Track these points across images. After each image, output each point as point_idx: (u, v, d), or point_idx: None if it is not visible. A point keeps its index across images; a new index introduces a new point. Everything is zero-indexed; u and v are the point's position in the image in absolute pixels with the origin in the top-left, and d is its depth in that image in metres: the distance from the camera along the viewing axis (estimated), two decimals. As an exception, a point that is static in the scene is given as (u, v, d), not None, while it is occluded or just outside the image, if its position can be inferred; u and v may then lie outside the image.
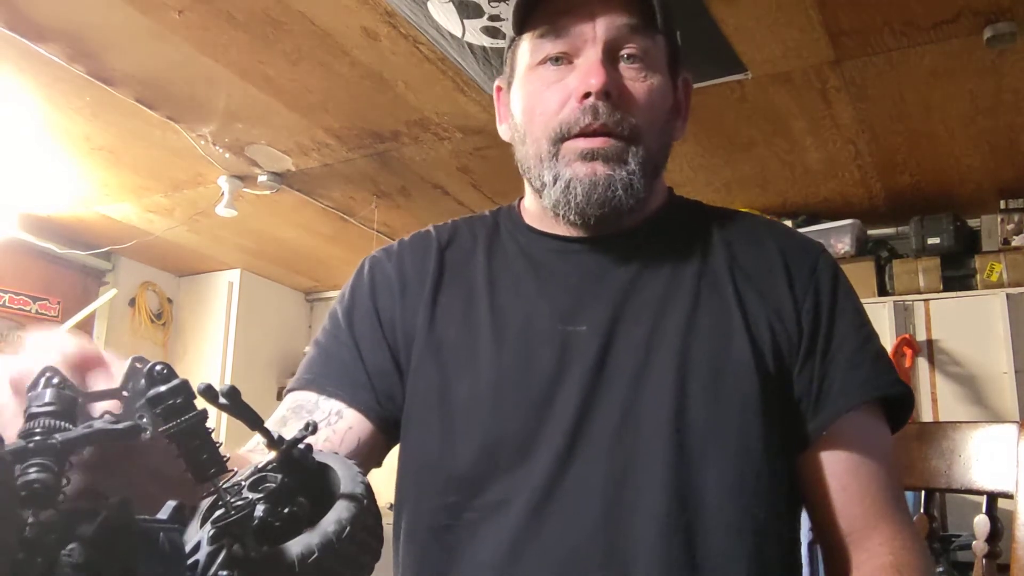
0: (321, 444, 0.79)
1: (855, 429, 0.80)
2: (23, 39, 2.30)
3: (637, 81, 0.82)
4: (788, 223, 3.26)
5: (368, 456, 0.83)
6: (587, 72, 0.80)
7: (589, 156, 0.80)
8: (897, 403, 0.84)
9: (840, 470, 0.80)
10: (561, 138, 0.81)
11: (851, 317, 0.84)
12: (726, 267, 0.84)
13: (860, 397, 0.80)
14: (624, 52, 0.82)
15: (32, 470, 0.33)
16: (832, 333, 0.82)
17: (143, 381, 0.39)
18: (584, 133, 0.80)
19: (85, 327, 4.26)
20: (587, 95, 0.79)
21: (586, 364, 0.79)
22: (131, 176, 3.31)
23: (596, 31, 0.81)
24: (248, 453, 0.75)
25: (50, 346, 0.45)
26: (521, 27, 0.85)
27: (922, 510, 1.04)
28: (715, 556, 0.74)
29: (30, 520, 0.32)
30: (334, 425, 0.81)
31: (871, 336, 0.85)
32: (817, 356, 0.82)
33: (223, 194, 3.34)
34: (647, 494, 0.74)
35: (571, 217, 0.82)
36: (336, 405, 0.82)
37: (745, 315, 0.81)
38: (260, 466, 0.40)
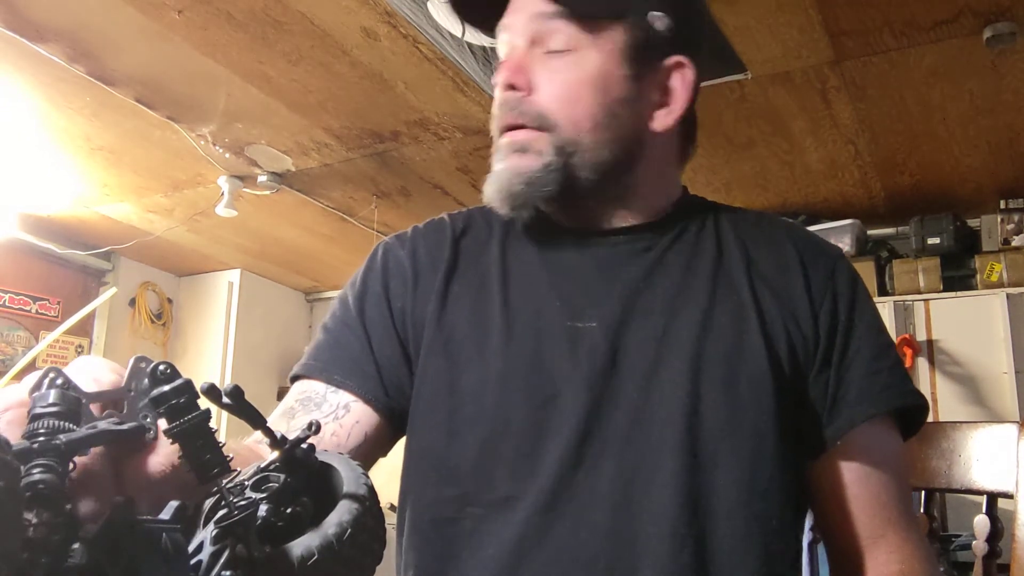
0: (328, 438, 0.78)
1: (869, 439, 0.80)
2: (23, 39, 2.30)
3: (555, 71, 0.80)
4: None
5: (374, 449, 0.82)
6: (499, 66, 0.81)
7: (510, 148, 0.81)
8: (911, 411, 0.83)
9: (851, 479, 0.79)
10: (500, 132, 0.83)
11: (869, 324, 0.83)
12: (742, 267, 0.83)
13: (877, 408, 0.80)
14: (548, 40, 0.80)
15: (36, 471, 0.33)
16: (849, 339, 0.81)
17: (146, 381, 0.39)
18: (504, 126, 0.81)
19: (85, 327, 4.27)
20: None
21: (596, 361, 0.77)
22: (131, 176, 3.30)
23: (518, 22, 0.81)
24: (254, 443, 0.74)
25: (85, 373, 0.44)
26: (492, 32, 0.85)
27: (922, 510, 1.04)
28: (724, 561, 0.73)
29: (34, 521, 0.32)
30: (341, 419, 0.80)
31: (889, 344, 0.84)
32: (834, 362, 0.80)
33: (223, 194, 3.34)
34: (657, 497, 0.73)
35: (497, 210, 0.83)
36: (344, 398, 0.81)
37: (761, 316, 0.80)
38: (263, 466, 0.40)
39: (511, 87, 0.80)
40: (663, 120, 0.83)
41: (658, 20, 0.82)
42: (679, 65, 0.83)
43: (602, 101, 0.80)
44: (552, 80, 0.80)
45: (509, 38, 0.83)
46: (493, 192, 0.81)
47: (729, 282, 0.82)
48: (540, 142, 0.79)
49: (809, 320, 0.81)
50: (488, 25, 0.85)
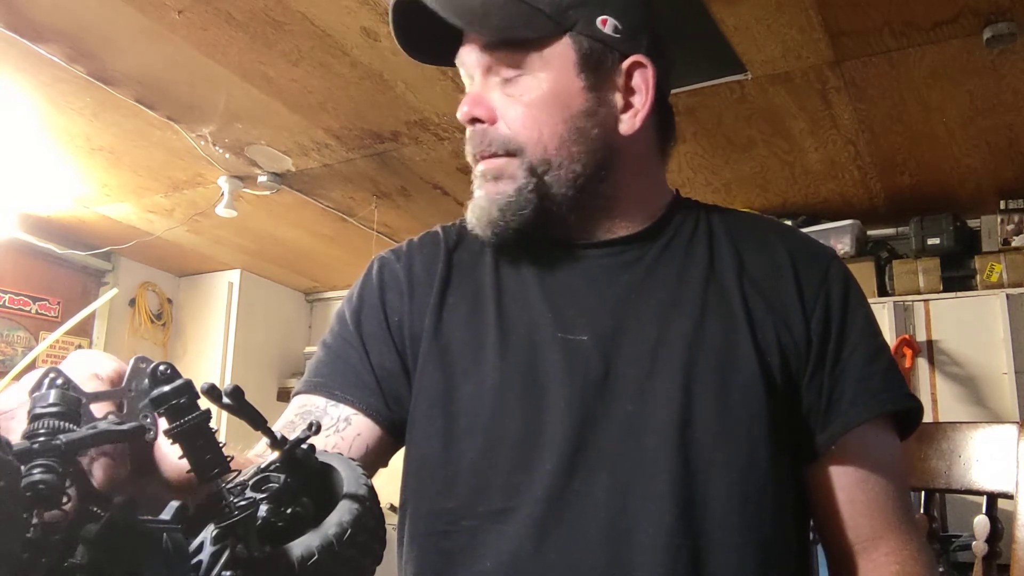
0: (330, 451, 0.78)
1: (864, 442, 0.80)
2: (23, 39, 2.30)
3: (512, 96, 0.81)
4: (788, 223, 3.25)
5: (376, 460, 0.83)
6: (463, 100, 0.82)
7: (485, 177, 0.83)
8: (906, 413, 0.83)
9: (848, 483, 0.79)
10: (475, 161, 0.84)
11: (862, 327, 0.83)
12: (734, 274, 0.83)
13: (871, 411, 0.80)
14: (500, 68, 0.82)
15: (36, 471, 0.33)
16: (842, 344, 0.81)
17: (147, 381, 0.39)
18: (477, 156, 0.83)
19: (85, 327, 4.26)
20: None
21: (589, 374, 0.78)
22: (131, 176, 3.30)
23: (470, 55, 0.83)
24: (255, 456, 0.75)
25: (85, 366, 0.44)
26: (450, 63, 0.86)
27: (922, 510, 1.04)
28: (720, 570, 0.73)
29: (34, 521, 0.32)
30: (342, 432, 0.81)
31: (882, 347, 0.84)
32: (827, 367, 0.80)
33: (223, 194, 3.34)
34: (651, 508, 0.73)
35: (481, 237, 0.84)
36: (344, 411, 0.82)
37: (752, 326, 0.80)
38: (263, 466, 0.40)
39: (473, 120, 0.82)
40: (630, 122, 0.83)
41: (606, 25, 0.81)
42: (637, 65, 0.83)
43: (564, 117, 0.80)
44: (511, 106, 0.81)
45: (466, 71, 0.84)
46: (474, 220, 0.83)
47: (720, 290, 0.82)
48: (511, 167, 0.81)
49: (801, 325, 0.81)
50: (446, 59, 0.87)
